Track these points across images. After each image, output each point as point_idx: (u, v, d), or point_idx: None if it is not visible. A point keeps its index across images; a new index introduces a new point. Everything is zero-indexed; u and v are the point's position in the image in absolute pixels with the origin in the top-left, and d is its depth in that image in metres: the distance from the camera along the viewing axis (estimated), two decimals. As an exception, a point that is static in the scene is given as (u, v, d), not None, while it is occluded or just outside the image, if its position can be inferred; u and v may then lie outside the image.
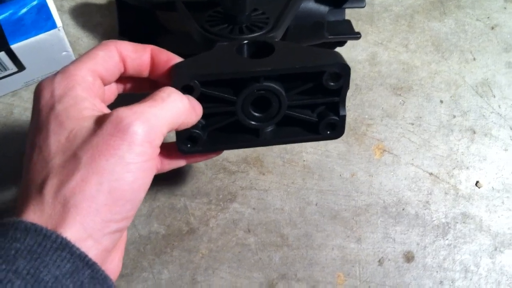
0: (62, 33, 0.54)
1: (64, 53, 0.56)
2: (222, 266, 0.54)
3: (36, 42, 0.53)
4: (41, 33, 0.53)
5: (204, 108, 0.40)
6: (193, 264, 0.53)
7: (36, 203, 0.30)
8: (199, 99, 0.39)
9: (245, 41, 0.44)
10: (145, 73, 0.41)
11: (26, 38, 0.52)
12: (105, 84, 0.38)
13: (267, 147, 0.58)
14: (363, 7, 0.56)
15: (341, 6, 0.56)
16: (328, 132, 0.43)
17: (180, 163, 0.44)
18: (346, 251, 0.55)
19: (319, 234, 0.55)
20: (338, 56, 0.41)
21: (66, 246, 0.28)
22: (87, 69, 0.36)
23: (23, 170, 0.33)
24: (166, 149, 0.42)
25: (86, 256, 0.29)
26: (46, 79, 0.35)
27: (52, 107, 0.33)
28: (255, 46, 0.44)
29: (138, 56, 0.39)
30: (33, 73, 0.57)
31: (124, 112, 0.32)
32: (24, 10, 0.52)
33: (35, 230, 0.28)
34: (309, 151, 0.58)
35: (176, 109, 0.35)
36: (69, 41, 0.56)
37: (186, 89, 0.38)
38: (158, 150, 0.34)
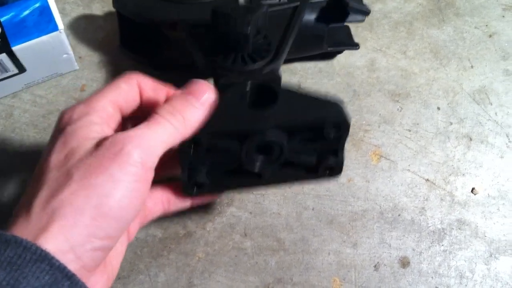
0: (63, 36, 0.54)
1: (65, 55, 0.57)
2: (218, 270, 0.54)
3: (37, 44, 0.53)
4: (43, 35, 0.53)
5: (210, 157, 0.42)
6: (190, 267, 0.54)
7: (24, 215, 0.31)
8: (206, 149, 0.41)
9: (249, 86, 0.44)
10: None
11: (28, 40, 0.52)
12: (122, 115, 0.40)
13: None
14: (363, 21, 0.57)
15: (341, 22, 0.57)
16: (327, 172, 0.46)
17: (185, 205, 0.45)
18: (342, 256, 0.55)
19: (316, 239, 0.55)
20: (339, 109, 0.42)
21: (45, 258, 0.29)
22: (108, 100, 0.38)
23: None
24: (174, 189, 0.44)
25: (65, 267, 0.29)
26: (70, 106, 0.37)
27: (63, 128, 0.35)
28: (259, 91, 0.45)
29: (156, 94, 0.41)
30: (33, 75, 0.57)
31: (119, 135, 0.33)
32: (26, 12, 0.53)
33: (15, 241, 0.29)
34: (307, 156, 0.59)
35: (170, 130, 0.36)
36: (70, 44, 0.57)
37: (194, 143, 0.40)
38: (153, 173, 0.35)
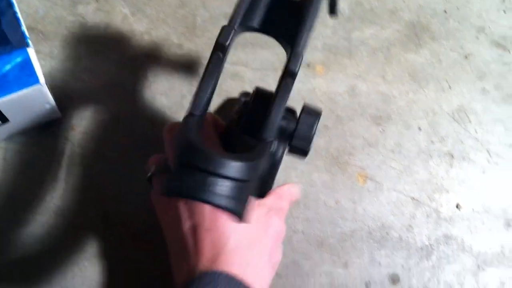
0: (44, 88, 0.55)
1: (47, 105, 0.57)
2: (212, 297, 0.54)
3: (19, 97, 0.53)
4: (24, 89, 0.53)
5: None
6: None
7: (221, 265, 0.39)
8: None
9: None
10: None
11: (9, 93, 0.52)
12: None
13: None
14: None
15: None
16: None
17: None
18: (334, 277, 0.56)
19: (307, 262, 0.56)
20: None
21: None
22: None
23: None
24: None
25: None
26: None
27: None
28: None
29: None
30: (16, 125, 0.58)
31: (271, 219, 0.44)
32: (8, 66, 0.53)
33: (231, 277, 0.38)
34: (294, 181, 0.60)
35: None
36: (56, 86, 0.58)
37: None
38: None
